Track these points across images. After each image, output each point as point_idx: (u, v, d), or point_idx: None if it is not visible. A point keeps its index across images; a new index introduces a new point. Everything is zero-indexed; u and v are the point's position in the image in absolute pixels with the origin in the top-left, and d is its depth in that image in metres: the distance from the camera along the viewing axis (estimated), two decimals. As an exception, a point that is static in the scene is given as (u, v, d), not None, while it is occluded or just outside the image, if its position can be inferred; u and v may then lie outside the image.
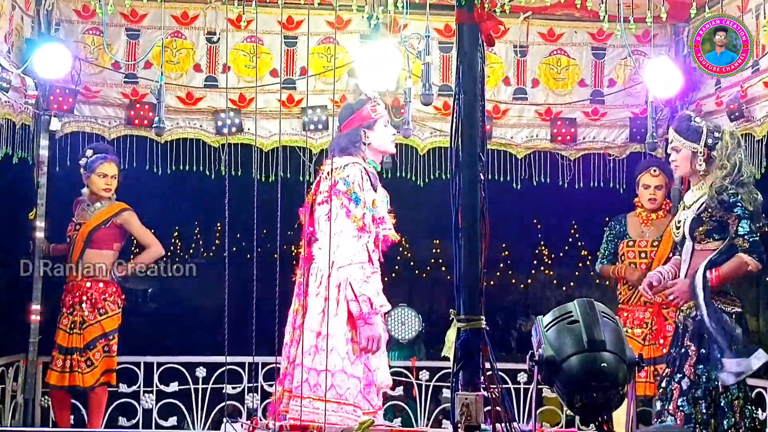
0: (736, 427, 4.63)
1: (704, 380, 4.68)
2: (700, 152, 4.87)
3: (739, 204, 4.72)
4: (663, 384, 4.90)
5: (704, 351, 4.69)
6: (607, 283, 6.44)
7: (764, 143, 5.87)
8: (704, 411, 4.67)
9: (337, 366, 4.49)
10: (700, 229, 4.83)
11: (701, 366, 4.69)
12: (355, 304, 4.47)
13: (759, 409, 5.55)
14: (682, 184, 5.84)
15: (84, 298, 6.21)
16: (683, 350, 4.80)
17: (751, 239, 4.69)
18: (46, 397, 6.49)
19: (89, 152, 6.35)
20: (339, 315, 4.55)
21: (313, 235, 4.69)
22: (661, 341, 6.09)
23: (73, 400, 6.45)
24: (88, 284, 6.23)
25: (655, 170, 6.23)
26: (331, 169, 4.62)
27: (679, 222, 5.00)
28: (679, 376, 4.78)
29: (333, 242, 4.42)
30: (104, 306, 6.22)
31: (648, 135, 6.29)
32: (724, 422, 4.63)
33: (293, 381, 4.57)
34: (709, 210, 4.79)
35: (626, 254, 6.24)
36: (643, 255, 6.21)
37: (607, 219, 6.57)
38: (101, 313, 6.22)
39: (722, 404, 4.64)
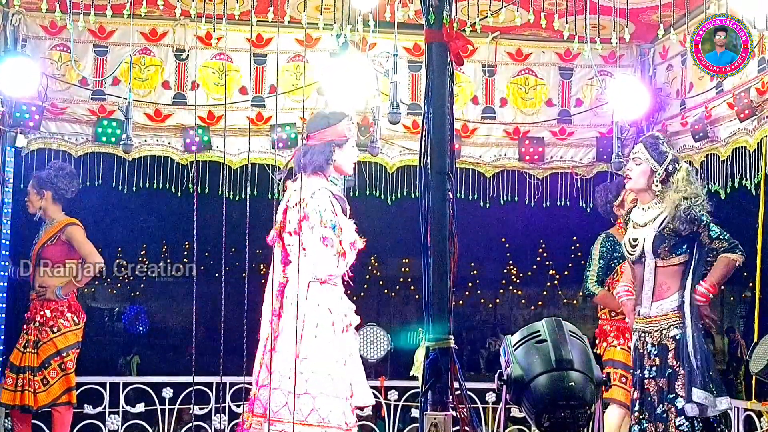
0: None
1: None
2: (659, 173, 4.96)
3: (699, 212, 4.90)
4: (640, 407, 4.94)
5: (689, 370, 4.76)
6: (575, 302, 6.45)
7: (729, 163, 5.94)
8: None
9: (319, 389, 4.45)
10: (664, 246, 4.90)
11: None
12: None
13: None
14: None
15: (37, 317, 6.15)
16: (670, 371, 4.83)
17: (725, 237, 4.90)
18: (10, 418, 6.38)
19: None
20: (320, 336, 4.52)
21: (287, 257, 4.62)
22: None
23: (35, 421, 6.36)
24: (40, 302, 6.17)
25: None
26: (299, 196, 4.56)
27: (635, 240, 5.06)
28: (671, 396, 4.82)
29: (312, 265, 4.43)
30: (56, 324, 6.15)
31: (613, 155, 6.35)
32: None
33: (270, 405, 4.47)
34: (671, 226, 4.88)
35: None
36: None
37: (574, 238, 6.59)
38: (53, 331, 6.14)
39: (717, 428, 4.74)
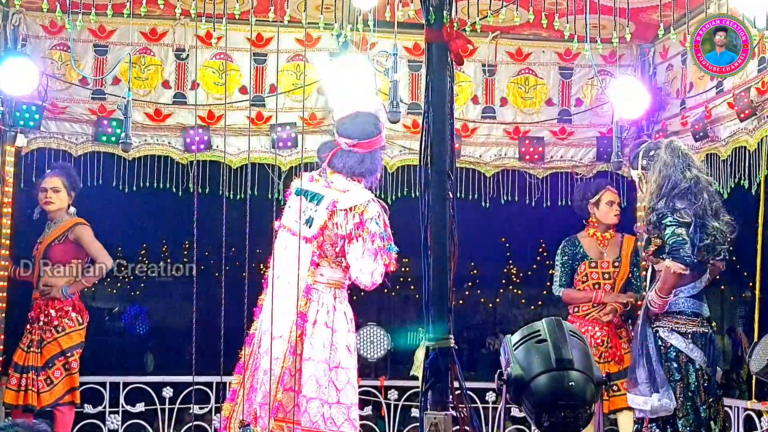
0: None
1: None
2: (640, 176, 4.95)
3: (667, 214, 4.70)
4: None
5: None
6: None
7: (729, 163, 5.94)
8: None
9: (352, 399, 4.47)
10: (647, 250, 4.86)
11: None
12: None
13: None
14: None
15: (41, 316, 6.15)
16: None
17: (671, 241, 4.63)
18: (10, 418, 6.37)
19: (47, 171, 6.32)
20: (350, 346, 4.51)
21: (320, 257, 4.57)
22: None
23: (36, 420, 6.35)
24: (45, 302, 6.17)
25: (614, 188, 6.35)
26: (353, 201, 4.54)
27: None
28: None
29: (361, 272, 4.45)
30: (61, 323, 6.15)
31: (613, 154, 6.34)
32: None
33: (310, 415, 4.41)
34: (648, 231, 4.83)
35: (589, 275, 6.25)
36: (606, 276, 6.24)
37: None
38: (58, 331, 6.14)
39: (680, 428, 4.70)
